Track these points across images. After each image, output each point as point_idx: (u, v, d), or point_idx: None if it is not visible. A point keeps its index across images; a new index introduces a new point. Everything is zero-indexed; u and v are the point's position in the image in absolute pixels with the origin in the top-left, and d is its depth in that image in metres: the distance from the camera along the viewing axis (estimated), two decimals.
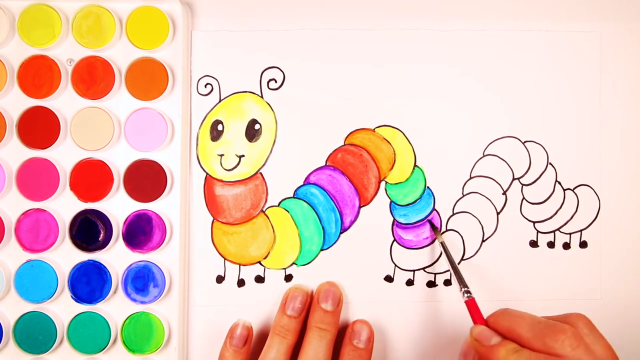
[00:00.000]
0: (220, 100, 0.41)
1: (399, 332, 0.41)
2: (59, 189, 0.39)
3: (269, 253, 0.41)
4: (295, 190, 0.41)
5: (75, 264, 0.39)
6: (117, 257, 0.40)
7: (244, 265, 0.41)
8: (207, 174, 0.41)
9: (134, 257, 0.40)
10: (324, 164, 0.41)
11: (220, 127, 0.41)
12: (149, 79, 0.39)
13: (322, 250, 0.41)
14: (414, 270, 0.41)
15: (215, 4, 0.41)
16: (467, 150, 0.41)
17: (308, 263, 0.41)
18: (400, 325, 0.41)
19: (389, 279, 0.41)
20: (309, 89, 0.41)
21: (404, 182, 0.41)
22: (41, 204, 0.39)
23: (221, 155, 0.41)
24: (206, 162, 0.41)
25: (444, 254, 0.39)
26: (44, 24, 0.39)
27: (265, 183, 0.41)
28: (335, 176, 0.41)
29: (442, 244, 0.39)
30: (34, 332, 0.39)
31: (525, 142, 0.42)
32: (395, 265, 0.41)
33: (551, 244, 0.42)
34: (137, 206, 0.39)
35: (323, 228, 0.41)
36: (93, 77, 0.39)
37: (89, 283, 0.39)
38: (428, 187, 0.41)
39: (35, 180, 0.39)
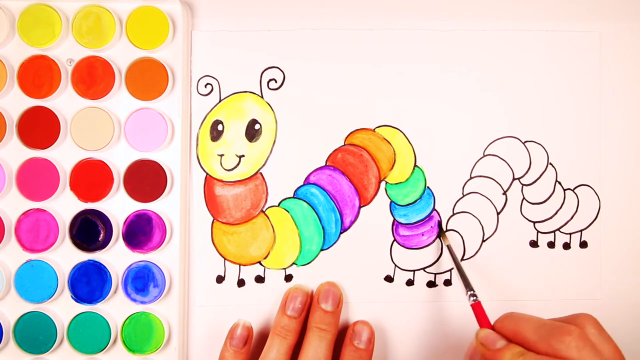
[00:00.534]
0: (220, 100, 0.41)
1: (399, 332, 0.41)
2: (59, 189, 0.39)
3: (269, 253, 0.41)
4: (295, 190, 0.41)
5: (75, 264, 0.39)
6: (117, 257, 0.40)
7: (244, 265, 0.41)
8: (207, 174, 0.41)
9: (134, 257, 0.40)
10: (324, 164, 0.41)
11: (220, 127, 0.41)
12: (149, 79, 0.39)
13: (322, 250, 0.41)
14: (414, 271, 0.41)
15: (215, 4, 0.41)
16: (467, 150, 0.41)
17: (308, 263, 0.41)
18: (401, 325, 0.41)
19: (389, 279, 0.41)
20: (309, 89, 0.41)
21: (404, 182, 0.41)
22: (41, 204, 0.39)
23: (221, 155, 0.41)
24: (206, 162, 0.41)
25: (450, 257, 0.39)
26: (44, 24, 0.39)
27: (265, 183, 0.41)
28: (335, 176, 0.41)
29: (449, 247, 0.39)
30: (34, 332, 0.39)
31: (525, 142, 0.42)
32: (395, 265, 0.41)
33: (551, 244, 0.42)
34: (137, 206, 0.39)
35: (323, 228, 0.41)
36: (93, 77, 0.39)
37: (89, 283, 0.39)
38: (428, 187, 0.41)
39: (35, 180, 0.39)
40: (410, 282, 0.41)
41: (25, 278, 0.39)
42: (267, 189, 0.41)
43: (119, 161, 0.40)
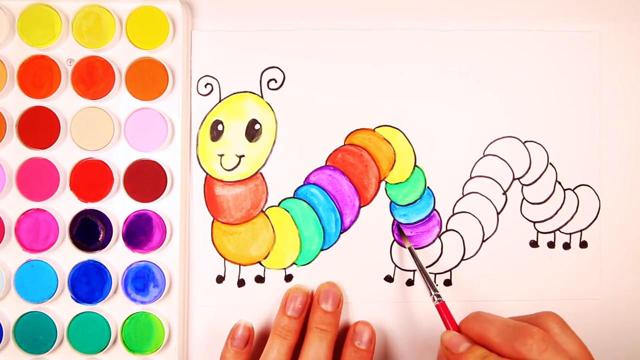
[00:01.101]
0: (220, 100, 0.41)
1: (399, 332, 0.41)
2: (59, 189, 0.39)
3: (269, 253, 0.41)
4: (296, 190, 0.41)
5: (75, 264, 0.39)
6: (117, 257, 0.40)
7: (244, 265, 0.41)
8: (207, 174, 0.41)
9: (134, 257, 0.40)
10: (324, 164, 0.41)
11: (220, 127, 0.41)
12: (149, 79, 0.39)
13: (322, 250, 0.41)
14: (414, 271, 0.41)
15: (215, 4, 0.41)
16: (467, 150, 0.41)
17: (308, 263, 0.41)
18: (401, 325, 0.41)
19: (389, 279, 0.41)
20: (309, 89, 0.41)
21: (404, 182, 0.41)
22: (41, 204, 0.39)
23: (221, 155, 0.41)
24: (206, 162, 0.41)
25: (412, 259, 0.40)
26: (44, 24, 0.39)
27: (265, 183, 0.41)
28: (335, 176, 0.41)
29: (411, 250, 0.39)
30: (34, 332, 0.39)
31: (525, 142, 0.42)
32: (395, 265, 0.41)
33: (551, 244, 0.42)
34: (137, 206, 0.39)
35: (323, 228, 0.41)
36: (93, 77, 0.39)
37: (89, 283, 0.39)
38: (428, 187, 0.41)
39: (35, 180, 0.39)
40: (410, 282, 0.41)
41: (25, 278, 0.39)
42: (267, 189, 0.41)
43: (119, 161, 0.40)
